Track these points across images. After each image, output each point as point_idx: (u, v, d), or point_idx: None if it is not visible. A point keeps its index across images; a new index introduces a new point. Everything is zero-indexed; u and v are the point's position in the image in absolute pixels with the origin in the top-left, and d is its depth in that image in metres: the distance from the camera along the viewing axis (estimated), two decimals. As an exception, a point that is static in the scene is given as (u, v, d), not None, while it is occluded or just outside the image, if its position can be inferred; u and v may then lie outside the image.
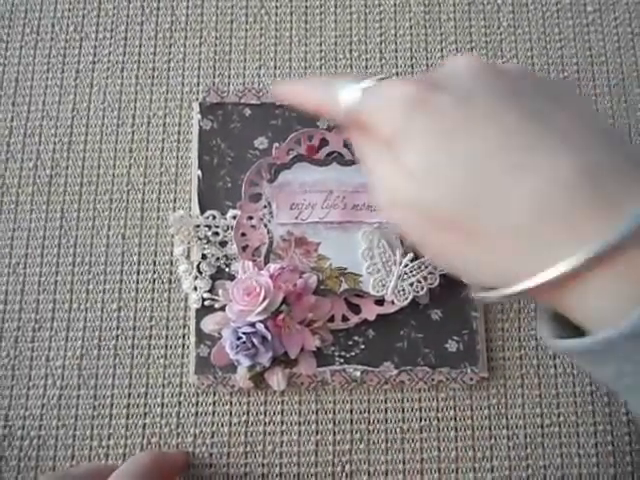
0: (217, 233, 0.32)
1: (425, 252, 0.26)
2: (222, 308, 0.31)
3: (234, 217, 0.32)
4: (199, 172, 0.33)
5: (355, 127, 0.24)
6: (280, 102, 0.33)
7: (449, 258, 0.23)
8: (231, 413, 0.31)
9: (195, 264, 0.32)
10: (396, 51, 0.36)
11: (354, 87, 0.23)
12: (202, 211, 0.32)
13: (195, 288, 0.32)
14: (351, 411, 0.31)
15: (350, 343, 0.32)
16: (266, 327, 0.30)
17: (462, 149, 0.20)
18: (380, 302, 0.32)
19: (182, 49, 0.36)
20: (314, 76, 0.27)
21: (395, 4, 0.37)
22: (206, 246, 0.32)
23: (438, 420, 0.31)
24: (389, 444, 0.31)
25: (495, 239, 0.20)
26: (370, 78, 0.24)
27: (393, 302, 0.31)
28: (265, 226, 0.32)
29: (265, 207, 0.32)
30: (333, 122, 0.29)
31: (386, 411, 0.31)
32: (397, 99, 0.22)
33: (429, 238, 0.23)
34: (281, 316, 0.30)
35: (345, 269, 0.32)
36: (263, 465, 0.31)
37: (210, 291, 0.32)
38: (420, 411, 0.31)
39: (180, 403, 0.31)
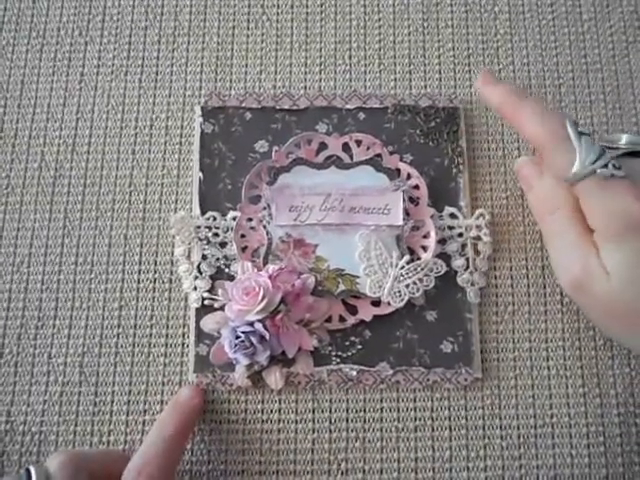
0: (217, 234, 0.33)
1: (594, 324, 0.32)
2: (221, 308, 0.32)
3: (234, 218, 0.33)
4: (200, 174, 0.34)
5: (553, 202, 0.29)
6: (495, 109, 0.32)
7: (616, 337, 0.30)
8: (229, 411, 0.32)
9: (195, 264, 0.32)
10: (394, 57, 0.37)
11: (590, 165, 0.27)
12: (203, 212, 0.33)
13: (195, 288, 0.32)
14: (347, 410, 0.32)
15: (347, 343, 0.32)
16: (264, 326, 0.30)
17: None
18: (376, 303, 0.32)
19: (185, 54, 0.36)
20: (537, 105, 0.29)
21: (394, 11, 0.37)
22: (206, 247, 0.33)
23: (432, 420, 0.32)
24: (384, 443, 0.31)
25: None
26: (603, 158, 0.27)
27: (389, 303, 0.32)
28: (264, 227, 0.33)
29: (264, 209, 0.33)
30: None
31: (381, 410, 0.32)
32: (628, 210, 0.26)
33: (600, 319, 0.29)
34: (279, 316, 0.30)
35: (342, 270, 0.32)
36: (260, 462, 0.31)
37: (210, 291, 0.32)
38: (415, 410, 0.32)
39: (179, 401, 0.32)
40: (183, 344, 0.32)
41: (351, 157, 0.34)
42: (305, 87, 0.36)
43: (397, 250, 0.32)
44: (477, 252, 0.33)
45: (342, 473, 0.31)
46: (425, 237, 0.33)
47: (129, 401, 0.32)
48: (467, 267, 0.33)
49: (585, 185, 0.27)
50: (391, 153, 0.34)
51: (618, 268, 0.26)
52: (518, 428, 0.32)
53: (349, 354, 0.32)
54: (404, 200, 0.33)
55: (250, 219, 0.33)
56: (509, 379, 0.32)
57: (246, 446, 0.31)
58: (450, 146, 0.35)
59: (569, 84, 0.37)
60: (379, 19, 0.37)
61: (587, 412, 0.32)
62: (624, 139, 0.29)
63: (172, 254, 0.33)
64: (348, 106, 0.35)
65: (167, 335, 0.33)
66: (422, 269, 0.32)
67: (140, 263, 0.33)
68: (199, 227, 0.33)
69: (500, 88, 0.30)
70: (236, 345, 0.30)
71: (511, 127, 0.31)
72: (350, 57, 0.37)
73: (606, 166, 0.27)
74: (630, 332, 0.28)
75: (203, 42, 0.37)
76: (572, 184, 0.27)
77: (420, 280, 0.32)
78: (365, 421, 0.32)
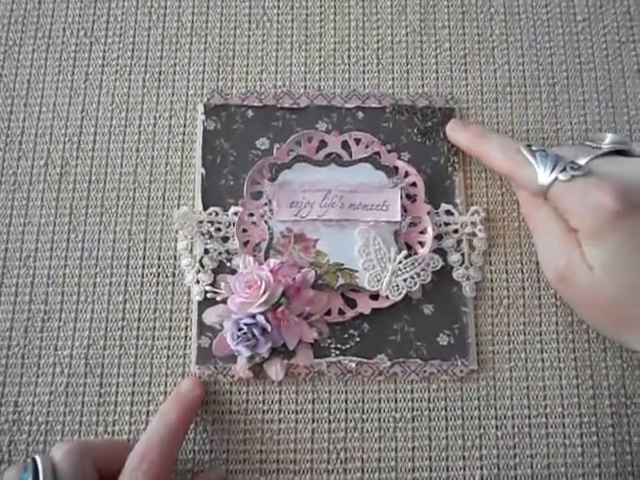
0: (219, 229, 0.34)
1: (579, 316, 0.33)
2: (223, 301, 0.32)
3: (236, 214, 0.34)
4: (203, 170, 0.35)
5: (536, 200, 0.31)
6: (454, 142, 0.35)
7: (599, 328, 0.32)
8: (231, 402, 0.33)
9: (198, 258, 0.33)
10: (392, 57, 0.37)
11: (550, 174, 0.29)
12: (205, 208, 0.34)
13: (198, 281, 0.33)
14: (346, 401, 0.33)
15: (346, 336, 0.33)
16: (266, 319, 0.31)
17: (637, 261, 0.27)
18: (375, 297, 0.33)
19: (187, 54, 0.37)
20: (497, 139, 0.33)
21: (392, 12, 0.38)
22: (208, 241, 0.33)
23: (429, 410, 0.33)
24: (382, 433, 0.32)
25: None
26: (560, 164, 0.29)
27: (387, 297, 0.33)
28: (266, 223, 0.33)
29: (266, 204, 0.34)
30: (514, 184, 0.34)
31: (379, 401, 0.33)
32: (600, 207, 0.27)
33: (584, 311, 0.31)
34: (280, 309, 0.31)
35: (342, 265, 0.33)
36: (261, 452, 0.32)
37: (212, 284, 0.33)
38: (412, 401, 0.33)
39: (182, 392, 0.32)
40: (186, 336, 0.33)
41: (350, 155, 0.35)
42: (305, 86, 0.37)
43: (395, 245, 0.33)
44: (472, 248, 0.34)
45: (341, 462, 0.32)
46: (422, 233, 0.34)
47: (133, 392, 0.33)
48: (463, 262, 0.34)
49: (554, 193, 0.29)
50: (389, 151, 0.35)
51: (600, 262, 0.28)
52: (513, 418, 0.33)
53: (348, 346, 0.33)
54: (402, 197, 0.34)
55: (252, 214, 0.34)
56: (504, 371, 0.33)
57: (247, 436, 0.32)
58: (446, 145, 0.35)
59: (563, 83, 0.37)
60: (377, 20, 0.38)
61: (580, 403, 0.33)
62: (608, 138, 0.31)
63: (175, 249, 0.34)
64: (347, 105, 0.36)
65: (170, 328, 0.33)
66: (419, 264, 0.33)
67: (144, 258, 0.34)
68: (201, 222, 0.34)
69: (466, 132, 0.34)
70: (238, 337, 0.31)
71: (480, 157, 0.33)
72: (349, 57, 0.37)
73: (564, 169, 0.29)
74: (613, 323, 0.29)
75: (205, 42, 0.37)
76: (544, 196, 0.30)
77: (417, 274, 0.33)
78: (363, 412, 0.33)
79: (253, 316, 0.31)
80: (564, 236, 0.29)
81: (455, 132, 0.34)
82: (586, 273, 0.28)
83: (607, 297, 0.28)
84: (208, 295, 0.33)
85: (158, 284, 0.34)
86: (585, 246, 0.28)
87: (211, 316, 0.33)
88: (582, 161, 0.30)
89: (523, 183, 0.30)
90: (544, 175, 0.29)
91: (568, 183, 0.28)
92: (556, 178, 0.29)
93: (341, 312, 0.33)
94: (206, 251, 0.33)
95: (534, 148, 0.31)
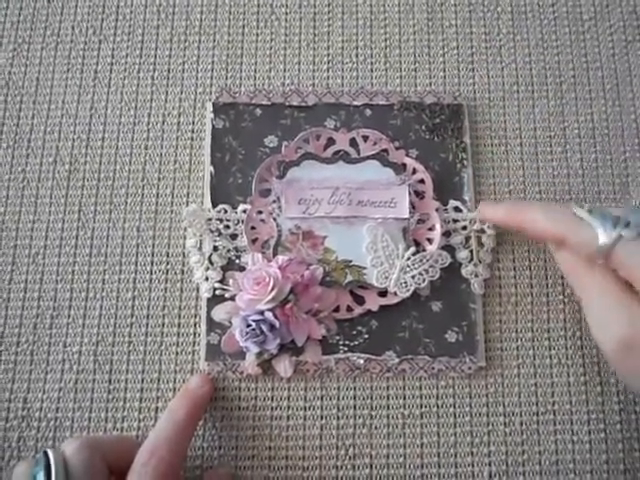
0: (228, 226, 0.34)
1: (637, 389, 0.30)
2: (232, 298, 0.32)
3: (244, 211, 0.34)
4: (211, 168, 0.35)
5: (587, 263, 0.28)
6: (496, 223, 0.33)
7: None
8: (240, 398, 0.33)
9: (207, 255, 0.33)
10: (400, 55, 0.38)
11: (611, 232, 0.27)
12: (214, 205, 0.34)
13: (206, 278, 0.33)
14: (354, 397, 0.33)
15: (354, 332, 0.33)
16: (274, 315, 0.31)
17: None
18: (383, 294, 0.33)
19: (196, 52, 0.37)
20: (542, 206, 0.31)
21: (399, 11, 0.38)
22: (217, 238, 0.34)
23: (438, 407, 0.33)
24: (390, 429, 0.32)
25: None
26: (621, 221, 0.27)
27: (396, 294, 0.33)
28: (274, 220, 0.33)
29: (274, 202, 0.34)
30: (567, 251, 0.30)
31: (388, 398, 0.33)
32: None
33: None
34: (289, 305, 0.31)
35: (350, 262, 0.33)
36: (270, 448, 0.32)
37: (221, 281, 0.33)
38: (420, 398, 0.33)
39: (191, 388, 0.32)
40: (195, 333, 0.33)
41: (358, 152, 0.35)
42: (313, 84, 0.37)
43: (403, 242, 0.33)
44: (481, 244, 0.34)
45: (350, 458, 0.32)
46: (430, 230, 0.34)
47: (142, 389, 0.33)
48: (471, 259, 0.34)
49: (619, 252, 0.27)
50: (397, 148, 0.35)
51: None
52: (521, 415, 0.33)
53: (356, 343, 0.33)
54: (410, 194, 0.34)
55: (260, 212, 0.34)
56: (512, 368, 0.33)
57: (256, 432, 0.32)
58: (454, 142, 0.36)
59: (570, 82, 0.38)
60: (385, 18, 0.38)
61: (588, 400, 0.33)
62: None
63: (184, 246, 0.34)
64: (355, 103, 0.36)
65: (179, 324, 0.33)
66: (427, 261, 0.33)
67: (153, 255, 0.34)
68: (210, 219, 0.34)
69: (500, 206, 0.32)
70: (247, 333, 0.31)
71: (521, 225, 0.31)
72: (357, 55, 0.38)
73: (628, 225, 0.27)
74: None
75: (214, 40, 0.38)
76: (606, 257, 0.27)
77: (426, 271, 0.33)
78: (372, 408, 0.33)
79: (261, 313, 0.31)
80: (625, 300, 0.27)
81: (488, 208, 0.33)
82: None
83: None
84: (217, 292, 0.33)
85: (167, 281, 0.34)
86: None
87: (220, 313, 0.33)
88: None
89: (583, 245, 0.28)
90: (606, 234, 0.27)
91: (634, 241, 0.26)
92: (620, 236, 0.26)
93: (349, 309, 0.33)
94: (215, 248, 0.33)
95: (586, 208, 0.28)
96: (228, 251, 0.34)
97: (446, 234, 0.34)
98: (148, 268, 0.34)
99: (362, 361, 0.33)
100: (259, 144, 0.35)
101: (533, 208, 0.30)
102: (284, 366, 0.32)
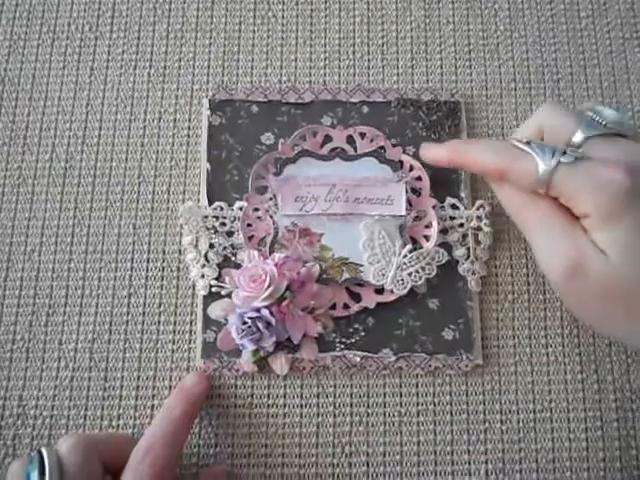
0: (224, 223, 0.34)
1: (584, 318, 0.30)
2: (228, 295, 0.32)
3: (241, 208, 0.34)
4: (208, 165, 0.35)
5: (530, 195, 0.28)
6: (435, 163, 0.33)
7: (608, 325, 0.28)
8: (236, 396, 0.33)
9: (203, 253, 0.33)
10: (397, 52, 0.38)
11: (549, 161, 0.27)
12: (210, 202, 0.34)
13: (202, 276, 0.33)
14: (351, 395, 0.33)
15: (351, 330, 0.33)
16: (271, 313, 0.31)
17: None
18: (380, 291, 0.33)
19: (192, 48, 0.37)
20: (483, 141, 0.32)
21: (397, 8, 0.38)
22: (213, 236, 0.33)
23: (434, 405, 0.33)
24: (387, 427, 0.32)
25: None
26: (558, 150, 0.27)
27: (392, 291, 0.33)
28: (270, 217, 0.33)
29: (271, 199, 0.34)
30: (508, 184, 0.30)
31: (384, 395, 0.33)
32: (612, 185, 0.26)
33: (595, 308, 0.27)
34: (285, 302, 0.31)
35: (347, 259, 0.33)
36: (266, 445, 0.32)
37: (217, 279, 0.33)
38: (417, 396, 0.33)
39: (187, 386, 0.32)
40: (191, 331, 0.33)
41: (355, 149, 0.35)
42: (310, 81, 0.37)
43: (400, 239, 0.33)
44: (478, 242, 0.34)
45: (346, 456, 0.32)
46: (427, 227, 0.34)
47: (138, 386, 0.33)
48: (468, 256, 0.34)
49: (558, 179, 0.27)
50: (394, 145, 0.35)
51: (616, 246, 0.26)
52: (518, 413, 0.33)
53: (353, 340, 0.33)
54: (407, 191, 0.34)
55: (256, 209, 0.34)
56: (509, 365, 0.33)
57: (252, 430, 0.32)
58: (452, 139, 0.35)
59: (567, 79, 0.38)
60: (382, 15, 0.38)
61: (585, 397, 0.33)
62: (611, 117, 0.29)
63: (180, 243, 0.34)
64: (352, 100, 0.36)
65: (175, 322, 0.33)
66: (424, 258, 0.33)
67: (149, 252, 0.34)
68: (206, 217, 0.34)
69: (443, 146, 0.32)
70: (243, 331, 0.31)
71: (464, 163, 0.31)
72: (354, 52, 0.37)
73: (565, 153, 0.27)
74: (627, 318, 0.27)
75: (210, 37, 0.37)
76: (547, 186, 0.27)
77: (422, 269, 0.33)
78: (368, 406, 0.33)
79: (258, 310, 0.31)
80: (568, 228, 0.27)
81: (431, 150, 0.33)
82: (600, 261, 0.26)
83: (622, 283, 0.26)
84: (213, 289, 0.33)
85: (163, 278, 0.34)
86: (596, 231, 0.26)
87: (216, 310, 0.33)
88: (580, 136, 0.28)
89: (522, 175, 0.28)
90: (545, 162, 0.27)
91: (572, 167, 0.27)
92: (559, 162, 0.27)
93: (346, 306, 0.33)
94: (211, 245, 0.33)
95: (525, 140, 0.29)
96: (224, 248, 0.33)
97: (443, 231, 0.34)
98: (144, 265, 0.34)
99: (358, 359, 0.33)
100: (256, 141, 0.35)
101: (477, 146, 0.30)
102: (280, 364, 0.32)
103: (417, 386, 0.33)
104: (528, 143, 0.28)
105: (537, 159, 0.27)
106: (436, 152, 0.32)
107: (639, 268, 0.26)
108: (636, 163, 0.27)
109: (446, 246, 0.34)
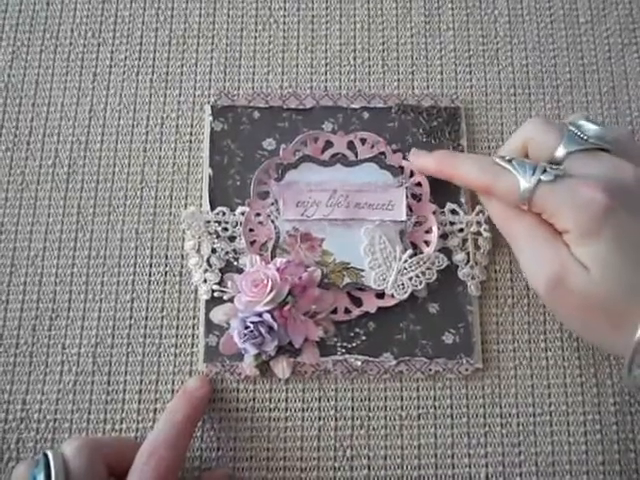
0: (226, 228, 0.34)
1: (569, 327, 0.33)
2: (230, 300, 0.33)
3: (243, 213, 0.34)
4: (210, 171, 0.35)
5: (514, 210, 0.30)
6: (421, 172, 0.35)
7: (591, 334, 0.30)
8: (238, 399, 0.33)
9: (205, 258, 0.34)
10: (397, 58, 0.38)
11: (531, 178, 0.28)
12: (212, 208, 0.34)
13: (205, 280, 0.33)
14: (352, 399, 0.33)
15: (352, 334, 0.33)
16: (272, 317, 0.31)
17: (633, 259, 0.27)
18: (381, 295, 0.33)
19: (194, 55, 0.38)
20: (469, 156, 0.34)
21: (397, 14, 0.39)
22: (216, 241, 0.34)
23: (435, 408, 0.33)
24: (388, 430, 0.33)
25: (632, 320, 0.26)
26: (539, 167, 0.28)
27: (393, 296, 0.33)
28: (272, 222, 0.34)
29: (272, 204, 0.34)
30: (490, 199, 0.31)
31: (385, 399, 0.33)
32: (591, 203, 0.27)
33: (578, 318, 0.29)
34: (287, 307, 0.31)
35: (348, 264, 0.33)
36: (267, 449, 0.32)
37: (219, 283, 0.33)
38: (418, 399, 0.33)
39: (189, 390, 0.33)
40: (193, 335, 0.33)
41: (356, 155, 0.35)
42: (311, 87, 0.37)
43: (400, 244, 0.33)
44: (477, 247, 0.34)
45: (347, 459, 0.32)
46: (427, 232, 0.34)
47: (141, 390, 0.33)
48: (468, 261, 0.34)
49: (539, 196, 0.28)
50: (394, 151, 0.35)
51: (597, 261, 0.27)
52: (517, 416, 0.33)
53: (354, 345, 0.33)
54: (407, 196, 0.34)
55: (258, 214, 0.34)
56: (509, 369, 0.33)
57: (254, 433, 0.32)
58: (452, 145, 0.36)
59: (567, 85, 0.38)
60: (383, 22, 0.39)
61: (584, 401, 0.33)
62: (592, 131, 0.30)
63: (182, 248, 0.34)
64: (353, 106, 0.36)
65: (177, 326, 0.34)
66: (424, 263, 0.33)
67: (151, 257, 0.34)
68: (209, 222, 0.34)
69: (431, 156, 0.33)
70: (245, 335, 0.31)
71: (451, 176, 0.33)
72: (355, 58, 0.38)
73: (545, 171, 0.28)
74: (610, 329, 0.28)
75: (212, 43, 0.38)
76: (528, 202, 0.28)
77: (422, 273, 0.33)
78: (370, 410, 0.33)
79: (260, 314, 0.31)
80: (551, 241, 0.28)
81: (419, 158, 0.34)
82: (581, 274, 0.27)
83: (603, 297, 0.27)
84: (215, 294, 0.33)
85: (165, 283, 0.34)
86: (577, 247, 0.28)
87: (218, 315, 0.33)
88: (562, 151, 0.29)
89: (505, 192, 0.29)
90: (526, 180, 0.28)
91: (553, 184, 0.28)
92: (539, 180, 0.28)
93: (347, 311, 0.33)
94: (213, 250, 0.34)
95: (507, 158, 0.30)
96: (226, 253, 0.34)
97: (443, 236, 0.34)
98: (147, 270, 0.34)
99: (360, 363, 0.33)
100: (257, 147, 0.35)
101: (464, 161, 0.32)
102: (282, 368, 0.32)
103: (418, 390, 0.33)
104: (510, 161, 0.29)
105: (518, 177, 0.28)
106: (424, 160, 0.34)
107: (619, 283, 0.27)
108: (615, 180, 0.28)
109: (446, 251, 0.34)
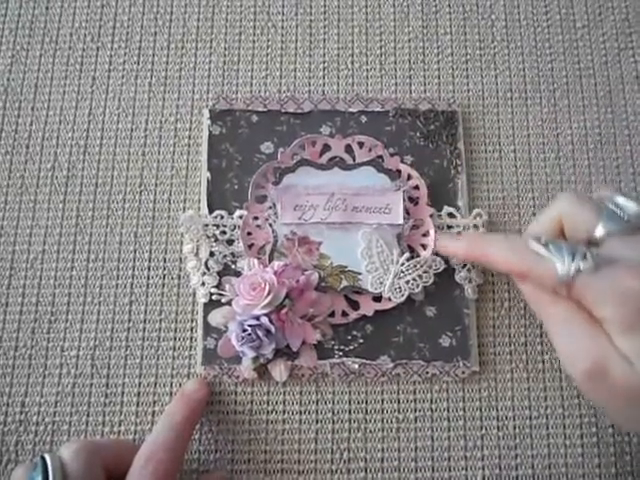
0: (224, 232, 0.34)
1: (608, 415, 0.32)
2: (228, 303, 0.33)
3: (241, 217, 0.34)
4: (208, 174, 0.35)
5: (551, 293, 0.28)
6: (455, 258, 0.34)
7: (631, 425, 0.28)
8: (236, 402, 0.33)
9: (203, 261, 0.34)
10: (395, 62, 0.38)
11: (570, 266, 0.26)
12: (210, 211, 0.34)
13: (203, 284, 0.33)
14: (349, 402, 0.33)
15: (349, 337, 0.33)
16: (270, 320, 0.31)
17: None
18: (378, 299, 0.33)
19: (193, 59, 0.38)
20: (501, 238, 0.31)
21: (395, 18, 0.39)
22: (214, 244, 0.34)
23: (432, 411, 0.33)
24: (385, 433, 0.33)
25: None
26: (578, 253, 0.26)
27: (390, 299, 0.33)
28: (270, 226, 0.34)
29: (270, 208, 0.34)
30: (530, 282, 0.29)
31: (382, 402, 0.33)
32: (628, 297, 0.25)
33: (620, 408, 0.26)
34: (284, 310, 0.32)
35: (345, 267, 0.33)
36: (265, 452, 0.32)
37: (217, 286, 0.33)
38: (415, 402, 0.33)
39: (187, 392, 0.33)
40: (191, 338, 0.34)
41: (353, 158, 0.35)
42: (309, 91, 0.37)
43: (398, 248, 0.34)
44: (474, 250, 0.35)
45: (344, 462, 0.32)
46: (424, 235, 0.34)
47: (139, 393, 0.33)
48: (465, 264, 0.34)
49: (578, 285, 0.26)
50: (392, 155, 0.35)
51: None
52: (514, 419, 0.33)
53: (351, 348, 0.33)
54: (404, 200, 0.34)
55: (256, 217, 0.34)
56: (505, 372, 0.34)
57: (252, 436, 0.32)
58: (449, 148, 0.36)
59: (563, 89, 0.38)
60: (380, 26, 0.39)
61: (580, 404, 0.33)
62: (633, 209, 0.28)
63: (181, 251, 0.35)
64: (351, 109, 0.36)
65: (176, 329, 0.34)
66: (422, 266, 0.33)
67: (150, 260, 0.35)
68: (207, 225, 0.34)
69: (460, 241, 0.32)
70: (243, 338, 0.31)
71: (481, 261, 0.31)
72: (352, 62, 0.38)
73: (585, 257, 0.26)
74: None
75: (211, 47, 0.38)
76: (567, 290, 0.27)
77: (420, 277, 0.33)
78: (367, 412, 0.33)
79: (257, 318, 0.31)
80: (591, 328, 0.26)
81: (448, 243, 0.33)
82: (623, 367, 0.25)
83: None
84: (213, 297, 0.33)
85: (164, 286, 0.34)
86: (619, 338, 0.25)
87: (216, 318, 0.33)
88: (601, 231, 0.28)
89: (542, 279, 0.27)
90: (564, 267, 0.26)
91: (592, 273, 0.26)
92: (579, 269, 0.26)
93: (344, 314, 0.33)
94: (211, 254, 0.34)
95: (543, 240, 0.28)
96: (224, 256, 0.34)
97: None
98: (145, 273, 0.34)
99: (357, 366, 0.33)
100: (255, 150, 0.35)
101: (491, 243, 0.30)
102: (280, 370, 0.33)
103: (414, 393, 0.33)
104: (547, 244, 0.27)
105: (556, 263, 0.26)
106: (453, 247, 0.32)
107: None
108: None
109: (443, 254, 0.34)
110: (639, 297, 0.25)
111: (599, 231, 0.28)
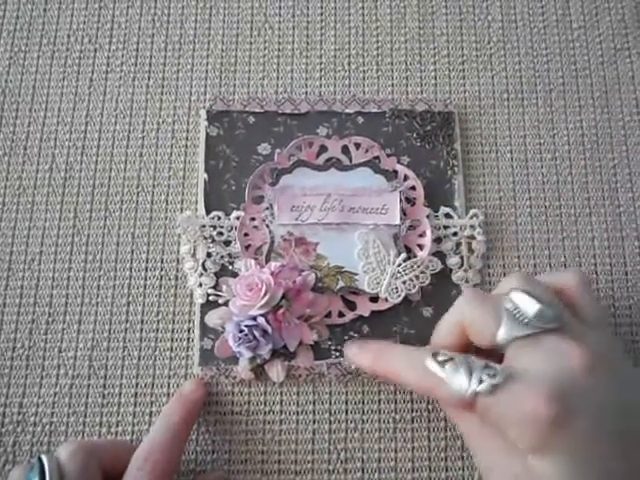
0: (221, 233, 0.34)
1: None
2: (225, 303, 0.33)
3: (238, 218, 0.34)
4: (205, 175, 0.35)
5: (461, 411, 0.26)
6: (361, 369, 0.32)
7: None
8: (233, 403, 0.33)
9: (200, 262, 0.34)
10: (392, 64, 0.38)
11: (468, 388, 0.25)
12: (208, 212, 0.34)
13: (200, 284, 0.34)
14: (346, 402, 0.33)
15: (346, 338, 0.33)
16: (267, 321, 0.31)
17: (596, 469, 0.24)
18: (374, 299, 0.34)
19: (190, 60, 0.38)
20: (397, 349, 0.30)
21: (391, 20, 0.39)
22: (211, 245, 0.34)
23: (429, 411, 0.33)
24: (382, 433, 0.33)
25: None
26: (475, 372, 0.25)
27: (387, 299, 0.33)
28: (267, 226, 0.34)
29: (267, 209, 0.34)
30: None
31: (379, 402, 0.33)
32: (530, 421, 0.23)
33: None
34: (281, 311, 0.32)
35: (342, 268, 0.34)
36: (262, 452, 0.32)
37: (214, 287, 0.33)
38: (411, 402, 0.33)
39: (185, 393, 0.33)
40: (188, 338, 0.34)
41: (350, 159, 0.35)
42: (306, 92, 0.37)
43: (394, 248, 0.34)
44: (471, 250, 0.35)
45: (341, 462, 0.32)
46: (421, 236, 0.34)
47: (136, 393, 0.33)
48: (462, 265, 0.34)
49: (479, 408, 0.25)
50: (389, 155, 0.35)
51: (554, 475, 0.24)
52: (511, 419, 0.33)
53: (348, 348, 0.33)
54: (401, 200, 0.34)
55: (253, 218, 0.34)
56: (502, 372, 0.34)
57: (249, 436, 0.32)
58: (445, 149, 0.36)
59: (559, 89, 0.38)
60: (377, 27, 0.39)
61: (577, 404, 0.33)
62: (530, 312, 0.26)
63: (178, 252, 0.35)
64: (347, 110, 0.36)
65: (173, 330, 0.34)
66: (418, 266, 0.33)
67: (147, 261, 0.35)
68: (204, 226, 0.34)
69: (366, 352, 0.31)
70: (240, 339, 0.31)
71: (386, 376, 0.30)
72: (349, 63, 0.38)
73: (481, 381, 0.24)
74: None
75: (208, 49, 0.38)
76: (470, 409, 0.25)
77: (416, 277, 0.33)
78: (364, 412, 0.33)
79: (254, 318, 0.32)
80: (505, 450, 0.25)
81: (355, 356, 0.32)
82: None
83: None
84: (210, 298, 0.33)
85: (161, 287, 0.34)
86: (533, 460, 0.24)
87: (213, 318, 0.33)
88: (502, 338, 0.26)
89: (444, 399, 0.27)
90: (461, 390, 0.25)
91: (492, 395, 0.24)
92: (475, 393, 0.24)
93: (341, 314, 0.33)
94: (208, 255, 0.34)
95: (440, 358, 0.26)
96: (221, 257, 0.34)
97: (437, 240, 0.34)
98: (142, 274, 0.34)
99: (354, 366, 0.33)
100: (252, 152, 0.35)
101: (394, 358, 0.29)
102: (276, 371, 0.33)
103: (411, 393, 0.33)
104: (443, 363, 0.26)
105: (452, 386, 0.25)
106: (360, 358, 0.31)
107: None
108: (562, 377, 0.24)
109: (440, 255, 0.34)
110: (539, 421, 0.23)
111: (500, 337, 0.26)
